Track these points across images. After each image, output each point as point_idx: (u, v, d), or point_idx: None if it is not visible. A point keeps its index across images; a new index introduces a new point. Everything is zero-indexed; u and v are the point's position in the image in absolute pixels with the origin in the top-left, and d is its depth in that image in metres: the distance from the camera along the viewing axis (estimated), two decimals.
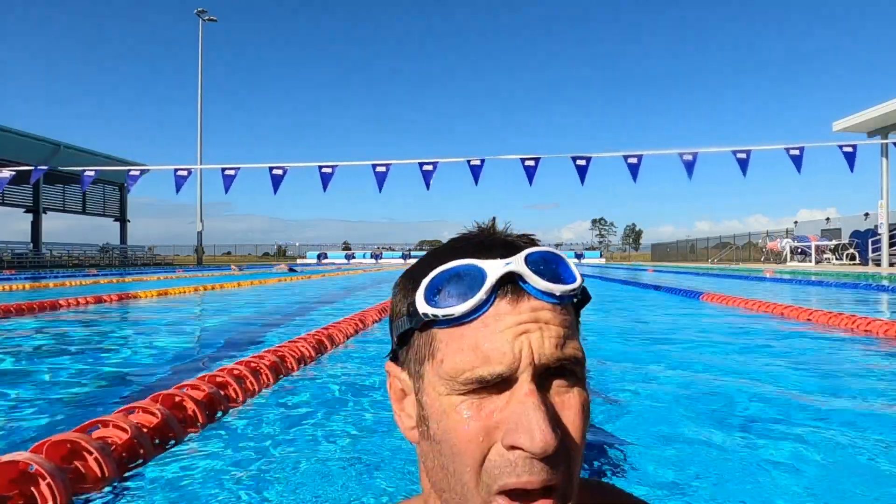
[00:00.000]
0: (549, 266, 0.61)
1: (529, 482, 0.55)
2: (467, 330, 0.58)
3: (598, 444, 2.42)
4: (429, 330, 0.61)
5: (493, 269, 0.58)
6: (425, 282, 0.61)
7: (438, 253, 0.66)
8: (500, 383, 0.57)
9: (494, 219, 0.71)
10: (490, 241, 0.65)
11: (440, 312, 0.58)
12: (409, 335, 0.64)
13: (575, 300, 0.63)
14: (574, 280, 0.61)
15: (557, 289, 0.59)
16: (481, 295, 0.57)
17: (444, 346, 0.59)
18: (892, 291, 11.08)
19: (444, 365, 0.58)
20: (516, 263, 0.59)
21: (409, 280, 0.65)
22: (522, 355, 0.56)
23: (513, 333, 0.57)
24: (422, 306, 0.60)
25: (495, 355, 0.56)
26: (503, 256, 0.60)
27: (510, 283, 0.59)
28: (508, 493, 0.56)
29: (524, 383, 0.56)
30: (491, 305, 0.58)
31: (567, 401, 0.59)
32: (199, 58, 41.68)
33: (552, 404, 0.58)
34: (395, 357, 0.69)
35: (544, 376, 0.58)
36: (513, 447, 0.55)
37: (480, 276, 0.58)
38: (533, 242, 0.66)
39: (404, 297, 0.65)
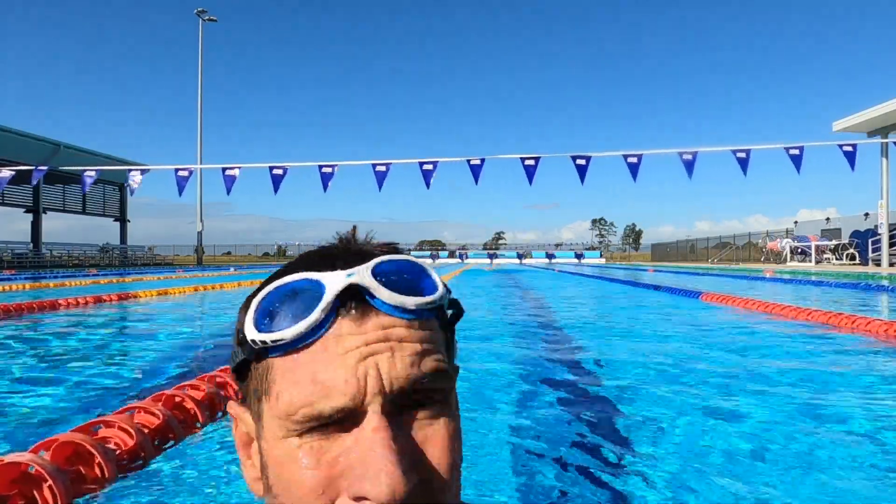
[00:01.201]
0: (402, 276, 0.53)
1: None
2: (303, 357, 0.49)
3: (597, 443, 2.42)
4: (264, 361, 0.52)
5: (333, 282, 0.50)
6: (255, 303, 0.53)
7: (282, 269, 0.57)
8: (346, 419, 0.48)
9: (355, 227, 0.62)
10: (338, 252, 0.56)
11: (268, 338, 0.49)
12: (245, 368, 0.55)
13: (436, 314, 0.55)
14: (433, 291, 0.53)
15: (411, 301, 0.51)
16: (317, 314, 0.49)
17: (279, 379, 0.50)
18: (892, 291, 11.08)
19: (280, 401, 0.49)
20: (360, 274, 0.50)
21: (247, 301, 0.56)
22: (368, 382, 0.48)
23: (356, 357, 0.48)
24: (250, 332, 0.51)
25: (336, 385, 0.47)
26: (349, 267, 0.52)
27: (354, 299, 0.50)
28: None
29: (372, 417, 0.48)
30: (331, 324, 0.50)
31: (431, 434, 0.51)
32: (199, 58, 41.70)
33: (412, 440, 0.50)
34: (241, 396, 0.59)
35: (401, 406, 0.50)
36: (359, 498, 0.46)
37: (318, 291, 0.50)
38: (394, 251, 0.57)
39: (237, 322, 0.56)
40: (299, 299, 0.50)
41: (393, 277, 0.52)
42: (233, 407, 0.61)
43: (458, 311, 0.58)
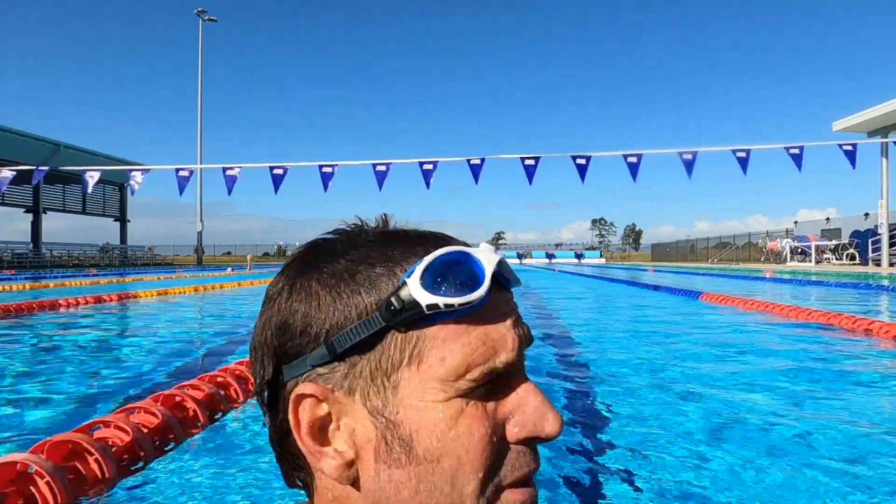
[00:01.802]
0: (509, 267, 0.61)
1: (532, 469, 0.56)
2: (472, 321, 0.54)
3: (595, 444, 2.42)
4: (412, 329, 0.53)
5: (488, 258, 0.56)
6: (420, 269, 0.53)
7: (359, 244, 0.59)
8: (503, 376, 0.55)
9: (385, 214, 0.66)
10: (429, 235, 0.62)
11: (456, 301, 0.52)
12: (369, 341, 0.53)
13: None
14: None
15: (519, 281, 0.61)
16: (487, 283, 0.54)
17: (440, 344, 0.53)
18: (892, 291, 11.08)
19: (447, 363, 0.52)
20: (500, 255, 0.58)
21: (335, 277, 0.56)
22: (522, 343, 0.57)
23: (511, 321, 0.57)
24: (423, 296, 0.51)
25: (506, 343, 0.55)
26: (434, 249, 0.57)
27: (494, 274, 0.57)
28: (513, 485, 0.54)
29: (521, 369, 0.57)
30: (491, 294, 0.55)
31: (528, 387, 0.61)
32: (199, 58, 41.70)
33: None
34: (298, 377, 0.56)
35: None
36: (529, 438, 0.55)
37: (477, 264, 0.55)
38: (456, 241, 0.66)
39: (348, 295, 0.54)
40: (465, 269, 0.54)
41: (507, 268, 0.60)
42: (308, 387, 0.54)
43: None
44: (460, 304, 0.52)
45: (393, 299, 0.52)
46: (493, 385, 0.54)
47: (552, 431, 0.54)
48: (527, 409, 0.55)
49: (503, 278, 0.58)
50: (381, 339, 0.53)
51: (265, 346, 0.58)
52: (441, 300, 0.52)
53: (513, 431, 0.54)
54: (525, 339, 0.58)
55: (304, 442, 0.55)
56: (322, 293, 0.55)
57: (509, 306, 0.58)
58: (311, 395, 0.55)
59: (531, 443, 0.55)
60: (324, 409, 0.55)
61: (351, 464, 0.55)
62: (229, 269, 29.05)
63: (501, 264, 0.58)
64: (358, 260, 0.56)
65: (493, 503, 0.53)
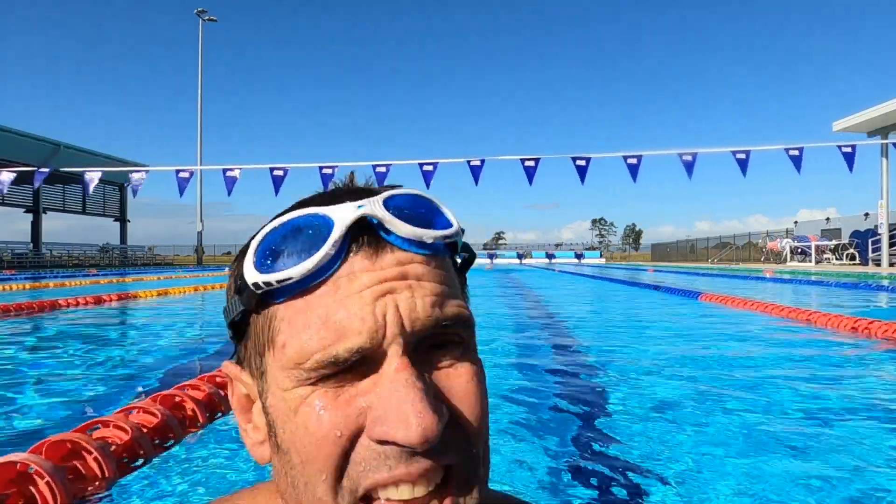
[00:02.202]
0: (417, 210, 0.48)
1: (407, 474, 0.43)
2: (313, 298, 0.45)
3: (595, 442, 2.42)
4: (266, 309, 0.47)
5: (342, 215, 0.45)
6: (254, 243, 0.47)
7: (281, 212, 0.52)
8: (362, 364, 0.44)
9: (353, 173, 0.58)
10: (342, 190, 0.52)
11: (273, 278, 0.44)
12: (244, 322, 0.50)
13: (453, 253, 0.52)
14: (449, 225, 0.49)
15: (428, 234, 0.47)
16: (327, 248, 0.44)
17: (285, 326, 0.46)
18: (892, 291, 11.08)
19: (287, 349, 0.45)
20: (371, 206, 0.46)
21: (243, 247, 0.50)
22: (388, 321, 0.44)
23: (373, 295, 0.44)
24: (251, 275, 0.46)
25: (352, 325, 0.43)
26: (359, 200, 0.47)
27: (367, 234, 0.46)
28: (379, 493, 0.44)
29: (394, 357, 0.44)
30: (342, 262, 0.45)
31: (456, 377, 0.47)
32: (199, 58, 41.70)
33: (433, 381, 0.46)
34: (238, 357, 0.54)
35: (422, 349, 0.46)
36: (384, 441, 0.43)
37: (326, 225, 0.45)
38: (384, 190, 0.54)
39: (232, 273, 0.51)
40: (305, 235, 0.45)
41: (406, 210, 0.47)
42: (228, 367, 0.55)
43: (471, 256, 0.54)
44: (278, 281, 0.44)
45: (237, 279, 0.49)
46: (352, 370, 0.44)
47: (405, 439, 0.41)
48: (383, 406, 0.43)
49: (386, 234, 0.46)
50: (247, 321, 0.50)
51: None
52: (267, 277, 0.45)
53: (368, 427, 0.44)
54: (403, 318, 0.44)
55: (236, 417, 0.55)
56: (231, 271, 0.53)
57: (378, 274, 0.45)
58: (227, 375, 0.55)
59: (395, 445, 0.43)
60: (240, 388, 0.54)
61: (262, 442, 0.52)
62: (227, 269, 28.80)
63: (376, 218, 0.46)
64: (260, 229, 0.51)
65: None
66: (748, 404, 2.99)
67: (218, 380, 2.91)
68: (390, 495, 0.44)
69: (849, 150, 10.47)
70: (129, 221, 42.46)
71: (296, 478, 0.46)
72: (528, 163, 10.54)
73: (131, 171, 12.55)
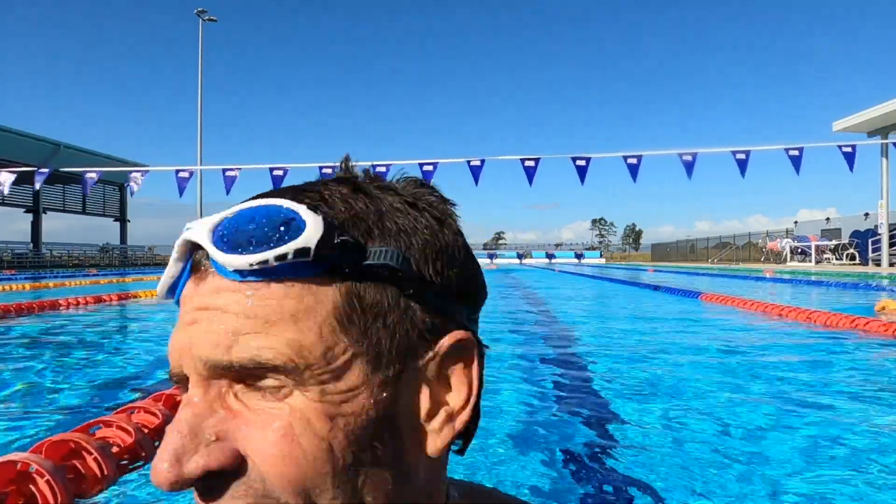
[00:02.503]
0: (249, 226, 0.41)
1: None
2: None
3: (594, 441, 2.43)
4: None
5: (182, 239, 0.44)
6: None
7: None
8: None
9: (347, 156, 0.52)
10: (289, 189, 0.47)
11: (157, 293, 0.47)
12: None
13: (314, 270, 0.41)
14: (271, 245, 0.40)
15: (236, 261, 0.40)
16: (170, 269, 0.45)
17: None
18: (892, 291, 11.08)
19: None
20: (197, 229, 0.42)
21: None
22: (183, 355, 0.42)
23: (183, 322, 0.43)
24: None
25: (170, 350, 0.44)
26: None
27: (203, 254, 0.43)
28: None
29: (190, 389, 0.42)
30: (184, 285, 0.44)
31: (259, 417, 0.40)
32: (199, 58, 41.70)
33: (223, 421, 0.40)
34: None
35: (236, 379, 0.41)
36: None
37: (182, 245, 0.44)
38: (421, 184, 0.51)
39: None
40: (175, 253, 0.45)
41: (233, 231, 0.41)
42: None
43: (357, 256, 0.42)
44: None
45: None
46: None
47: (152, 478, 0.39)
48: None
49: (216, 264, 0.42)
50: None
51: None
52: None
53: None
54: (195, 351, 0.41)
55: None
56: None
57: (195, 301, 0.43)
58: None
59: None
60: None
61: None
62: None
63: (215, 245, 0.41)
64: None
65: None
66: (747, 403, 2.99)
67: None
68: None
69: (849, 149, 10.47)
70: (129, 221, 42.46)
71: None
72: (528, 163, 10.54)
73: (131, 171, 12.56)
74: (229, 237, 0.41)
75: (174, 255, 0.44)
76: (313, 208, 0.42)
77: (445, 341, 0.46)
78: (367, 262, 0.42)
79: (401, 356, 0.43)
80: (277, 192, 0.46)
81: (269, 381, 0.41)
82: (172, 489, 0.38)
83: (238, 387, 0.41)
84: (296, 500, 0.40)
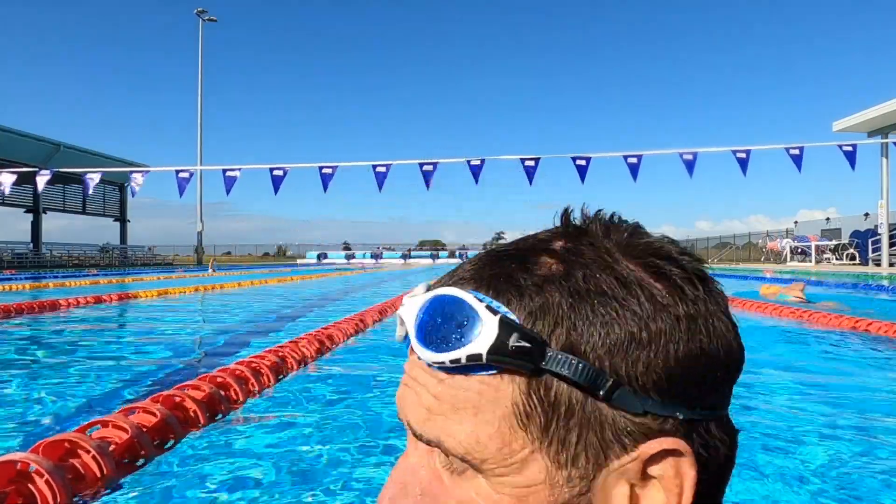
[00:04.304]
0: (435, 322, 0.43)
1: None
2: None
3: None
4: None
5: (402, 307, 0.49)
6: None
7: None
8: None
9: (566, 210, 0.52)
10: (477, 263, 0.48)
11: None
12: None
13: (496, 369, 0.41)
14: (450, 346, 0.42)
15: (424, 355, 0.43)
16: (399, 330, 0.49)
17: None
18: (892, 291, 11.08)
19: None
20: (408, 307, 0.47)
21: None
22: (400, 409, 0.48)
23: (402, 380, 0.48)
24: None
25: (396, 399, 0.49)
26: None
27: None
28: None
29: (408, 438, 0.48)
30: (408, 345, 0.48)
31: (453, 491, 0.44)
32: (199, 58, 41.71)
33: (433, 479, 0.45)
34: None
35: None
36: None
37: None
38: (641, 237, 0.48)
39: None
40: None
41: (428, 321, 0.44)
42: None
43: (523, 359, 0.41)
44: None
45: None
46: None
47: None
48: None
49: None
50: None
51: None
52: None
53: None
54: (408, 416, 0.46)
55: None
56: None
57: (407, 366, 0.48)
58: None
59: None
60: None
61: None
62: (210, 270, 27.61)
63: (416, 325, 0.45)
64: None
65: None
66: (747, 403, 2.99)
67: (218, 380, 2.91)
68: None
69: (849, 149, 10.48)
70: (129, 221, 42.48)
71: None
72: (528, 162, 10.54)
73: (131, 171, 12.56)
74: (424, 330, 0.44)
75: (397, 321, 0.48)
76: (496, 307, 0.42)
77: (648, 448, 0.41)
78: (545, 367, 0.41)
79: (590, 456, 0.41)
80: (483, 264, 0.47)
81: (456, 462, 0.43)
82: None
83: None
84: None
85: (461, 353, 0.41)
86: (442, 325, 0.43)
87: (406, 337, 0.46)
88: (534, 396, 0.41)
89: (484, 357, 0.40)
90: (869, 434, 2.53)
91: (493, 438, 0.41)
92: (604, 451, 0.41)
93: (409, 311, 0.46)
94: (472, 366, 0.41)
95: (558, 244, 0.46)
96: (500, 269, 0.45)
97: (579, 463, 0.41)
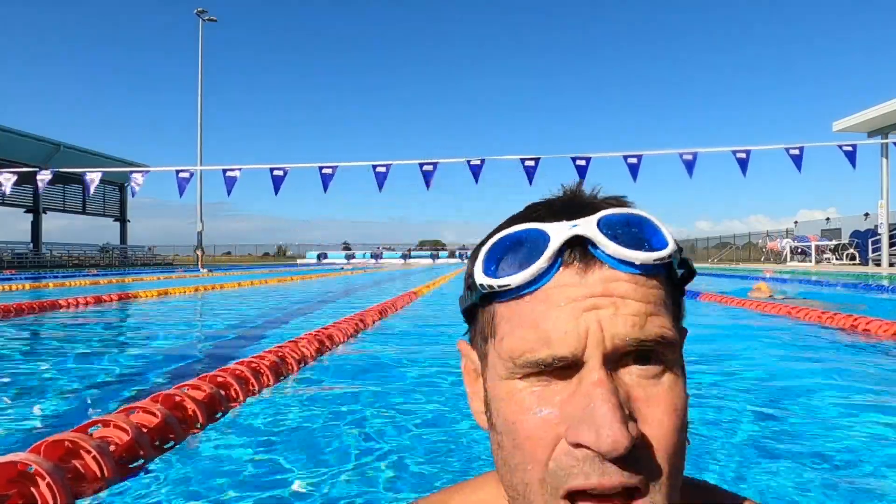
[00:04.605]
0: (630, 229, 0.51)
1: (601, 484, 0.47)
2: (527, 304, 0.50)
3: None
4: (490, 305, 0.54)
5: (558, 232, 0.50)
6: (483, 250, 0.54)
7: (508, 219, 0.59)
8: (566, 367, 0.49)
9: (581, 181, 0.60)
10: (567, 204, 0.56)
11: (496, 283, 0.51)
12: (473, 311, 0.58)
13: (666, 271, 0.52)
14: (663, 246, 0.51)
15: (637, 256, 0.49)
16: (541, 263, 0.49)
17: (504, 323, 0.52)
18: (892, 291, 11.08)
19: (504, 344, 0.51)
20: (585, 226, 0.50)
21: (476, 249, 0.58)
22: (589, 336, 0.48)
23: (578, 309, 0.48)
24: (479, 277, 0.53)
25: (557, 335, 0.48)
26: (574, 218, 0.51)
27: (578, 250, 0.50)
28: (578, 495, 0.48)
29: (592, 370, 0.48)
30: (554, 275, 0.50)
31: (654, 394, 0.49)
32: (199, 58, 41.68)
33: (631, 396, 0.49)
34: (469, 336, 0.62)
35: (622, 361, 0.49)
36: (578, 444, 0.47)
37: (543, 240, 0.50)
38: (623, 205, 0.55)
39: (467, 268, 0.58)
40: (525, 247, 0.51)
41: (619, 230, 0.50)
42: (462, 344, 0.63)
43: (690, 272, 0.55)
44: (500, 286, 0.51)
45: (469, 278, 0.56)
46: (556, 374, 0.50)
47: (597, 446, 0.45)
48: (582, 412, 0.47)
49: (597, 252, 0.50)
50: (475, 310, 0.57)
51: None
52: (491, 282, 0.52)
53: (563, 430, 0.48)
54: (605, 335, 0.48)
55: (465, 386, 0.63)
56: (468, 260, 0.59)
57: (584, 290, 0.49)
58: (460, 349, 0.63)
59: (588, 452, 0.47)
60: (469, 362, 0.62)
61: (482, 413, 0.58)
62: (203, 270, 26.97)
63: (588, 237, 0.49)
64: (491, 233, 0.57)
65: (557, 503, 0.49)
66: (747, 402, 2.99)
67: (219, 380, 2.91)
68: (594, 500, 0.48)
69: (849, 149, 10.47)
70: (129, 221, 42.47)
71: (506, 459, 0.52)
72: (528, 162, 10.54)
73: (131, 171, 12.55)
74: (621, 236, 0.50)
75: (552, 247, 0.50)
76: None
77: (682, 337, 0.55)
78: (684, 273, 0.54)
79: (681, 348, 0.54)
80: (617, 200, 0.56)
81: (659, 358, 0.50)
82: (627, 451, 0.45)
83: (631, 368, 0.49)
84: (667, 465, 0.49)
85: (666, 253, 0.50)
86: (639, 232, 0.51)
87: (550, 268, 0.50)
88: (677, 295, 0.55)
89: (674, 259, 0.52)
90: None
91: (674, 327, 0.51)
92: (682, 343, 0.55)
93: (590, 228, 0.50)
94: (657, 266, 0.51)
95: (611, 198, 0.57)
96: (616, 204, 0.55)
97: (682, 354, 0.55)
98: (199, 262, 30.21)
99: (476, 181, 10.87)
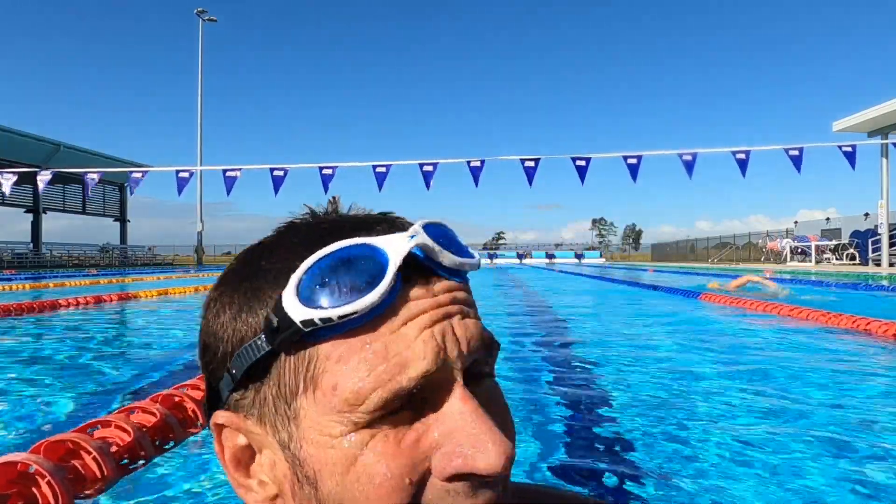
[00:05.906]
0: (450, 238, 0.50)
1: None
2: (367, 333, 0.43)
3: (592, 443, 2.43)
4: (302, 349, 0.44)
5: (396, 245, 0.44)
6: (296, 277, 0.43)
7: (281, 243, 0.49)
8: (419, 399, 0.43)
9: (336, 197, 0.55)
10: (359, 220, 0.50)
11: (334, 314, 0.41)
12: (262, 365, 0.46)
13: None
14: (474, 255, 0.51)
15: (467, 263, 0.49)
16: (388, 280, 0.42)
17: (335, 366, 0.43)
18: (892, 291, 11.08)
19: (340, 391, 0.42)
20: (421, 237, 0.46)
21: (242, 288, 0.48)
22: (447, 345, 0.44)
23: (431, 319, 0.44)
24: (298, 312, 0.42)
25: (415, 352, 0.42)
26: (388, 233, 0.47)
27: (413, 262, 0.45)
28: None
29: (457, 387, 0.43)
30: (397, 294, 0.44)
31: (494, 401, 0.48)
32: (199, 58, 41.69)
33: (486, 407, 0.45)
34: (223, 404, 0.49)
35: (466, 378, 0.46)
36: (458, 475, 0.42)
37: (379, 255, 0.44)
38: (396, 219, 0.52)
39: (246, 311, 0.47)
40: (357, 266, 0.43)
41: (444, 240, 0.48)
42: (221, 416, 0.49)
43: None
44: (340, 317, 0.41)
45: (271, 316, 0.44)
46: (410, 408, 0.43)
47: (487, 467, 0.40)
48: (456, 437, 0.42)
49: (433, 264, 0.46)
50: (275, 361, 0.45)
51: (200, 366, 0.52)
52: (316, 314, 0.42)
53: (439, 466, 0.42)
54: (460, 342, 0.45)
55: (229, 473, 0.50)
56: (228, 309, 0.48)
57: (433, 301, 0.45)
58: (225, 425, 0.49)
59: (468, 479, 0.42)
60: (242, 439, 0.49)
61: (274, 498, 0.48)
62: (193, 270, 26.95)
63: (426, 248, 0.46)
64: (268, 266, 0.47)
65: None
66: (747, 402, 2.99)
67: None
68: None
69: (849, 149, 10.48)
70: (129, 221, 42.49)
71: None
72: (528, 163, 10.55)
73: (131, 171, 12.55)
74: (451, 246, 0.49)
75: (395, 262, 0.44)
76: None
77: None
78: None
79: None
80: (386, 216, 0.52)
81: (486, 368, 0.49)
82: (508, 469, 0.42)
83: (471, 380, 0.47)
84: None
85: (477, 259, 0.51)
86: (457, 242, 0.51)
87: (395, 286, 0.44)
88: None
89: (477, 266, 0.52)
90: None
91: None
92: None
93: (425, 239, 0.47)
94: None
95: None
96: (392, 219, 0.53)
97: None
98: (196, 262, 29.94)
99: (476, 183, 10.91)
